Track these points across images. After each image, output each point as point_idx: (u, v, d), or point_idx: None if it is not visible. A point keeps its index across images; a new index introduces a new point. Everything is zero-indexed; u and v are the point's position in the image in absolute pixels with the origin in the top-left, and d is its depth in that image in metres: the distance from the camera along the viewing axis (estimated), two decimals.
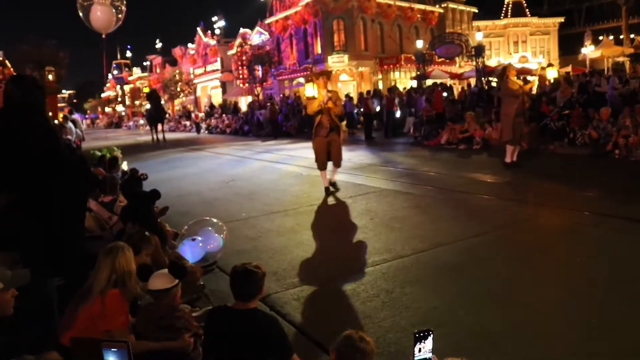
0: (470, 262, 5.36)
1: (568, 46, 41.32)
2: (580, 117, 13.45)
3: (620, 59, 29.80)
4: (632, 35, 32.82)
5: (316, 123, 9.26)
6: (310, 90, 9.55)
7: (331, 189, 9.49)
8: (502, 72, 11.68)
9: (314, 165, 13.35)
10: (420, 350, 2.24)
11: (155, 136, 26.08)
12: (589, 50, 31.54)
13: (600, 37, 34.31)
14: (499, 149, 13.57)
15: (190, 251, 5.25)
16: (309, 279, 5.18)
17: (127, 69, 72.52)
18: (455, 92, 24.66)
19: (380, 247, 6.04)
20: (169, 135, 28.88)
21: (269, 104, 26.81)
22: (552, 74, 13.66)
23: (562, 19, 45.55)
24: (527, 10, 46.07)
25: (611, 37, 33.96)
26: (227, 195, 10.21)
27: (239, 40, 43.14)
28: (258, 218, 7.93)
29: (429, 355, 2.25)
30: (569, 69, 28.97)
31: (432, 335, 2.25)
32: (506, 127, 11.11)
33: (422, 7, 41.05)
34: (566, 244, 5.87)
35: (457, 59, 32.29)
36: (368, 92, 25.62)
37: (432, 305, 4.41)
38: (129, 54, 75.02)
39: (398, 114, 20.84)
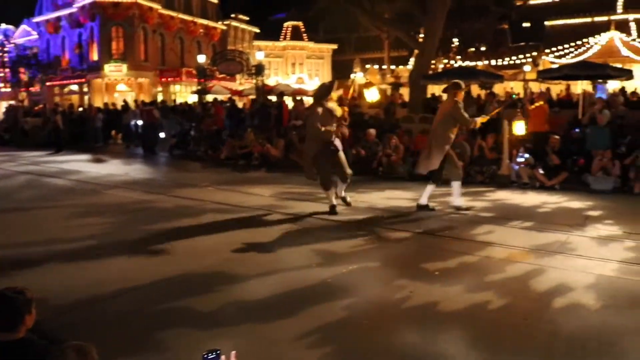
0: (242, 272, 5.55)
1: (340, 71, 44.70)
2: (350, 137, 14.64)
3: (383, 86, 33.18)
4: (392, 66, 36.71)
5: None
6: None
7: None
8: (323, 92, 8.64)
9: (88, 179, 12.72)
10: None
11: None
12: (357, 76, 34.59)
13: (368, 66, 37.78)
14: (278, 165, 14.22)
15: None
16: (85, 301, 4.87)
17: None
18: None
19: (159, 262, 5.93)
20: None
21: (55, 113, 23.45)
22: (371, 95, 9.69)
23: (335, 46, 49.29)
24: (305, 35, 48.98)
25: (376, 66, 37.58)
26: None
27: None
28: (22, 237, 7.22)
29: None
30: (340, 92, 31.37)
31: (219, 353, 2.29)
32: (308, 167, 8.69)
33: (205, 22, 41.27)
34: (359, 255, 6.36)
35: (237, 76, 32.96)
36: (152, 102, 24.86)
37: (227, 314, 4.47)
38: None
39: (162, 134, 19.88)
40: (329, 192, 8.50)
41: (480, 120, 8.62)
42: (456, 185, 8.51)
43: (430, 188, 8.57)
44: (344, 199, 8.70)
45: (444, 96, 9.35)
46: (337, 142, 8.40)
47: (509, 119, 12.56)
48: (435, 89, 26.58)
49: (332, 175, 8.43)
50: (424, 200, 8.61)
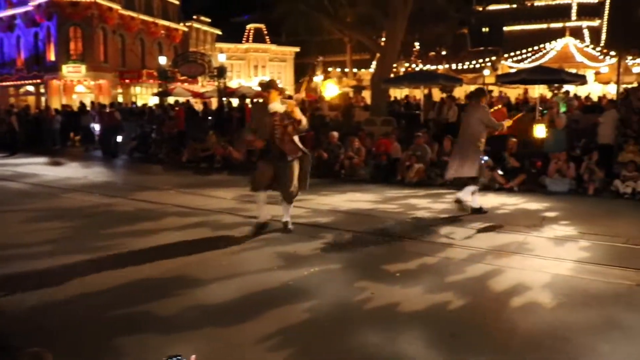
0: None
1: (302, 73, 44.78)
2: (312, 140, 14.70)
3: (346, 89, 33.39)
4: (355, 69, 36.96)
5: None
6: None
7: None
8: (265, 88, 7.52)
9: (45, 183, 12.43)
10: None
11: None
12: (319, 79, 34.75)
13: (330, 68, 37.98)
14: (240, 167, 14.12)
15: None
16: (41, 307, 4.74)
17: None
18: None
19: (119, 266, 5.83)
20: None
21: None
22: (330, 90, 9.09)
23: (297, 49, 49.37)
24: (267, 37, 48.93)
25: (338, 69, 37.80)
26: None
27: None
28: None
29: None
30: (303, 95, 31.45)
31: (180, 359, 2.28)
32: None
33: (166, 23, 40.83)
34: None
35: (199, 78, 32.65)
36: (112, 104, 24.43)
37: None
38: None
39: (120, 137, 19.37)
40: (259, 200, 7.54)
41: (506, 124, 8.78)
42: (471, 189, 8.57)
43: (471, 189, 8.60)
44: (285, 224, 7.45)
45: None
46: (290, 147, 7.09)
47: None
48: (397, 93, 26.92)
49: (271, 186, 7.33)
50: (475, 204, 8.67)
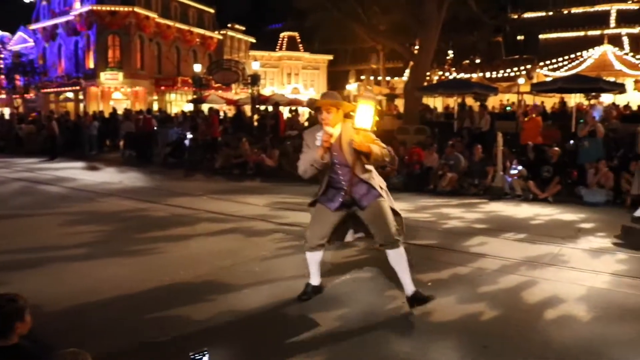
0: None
1: (335, 81, 44.81)
2: None
3: (379, 97, 33.29)
4: (388, 78, 36.84)
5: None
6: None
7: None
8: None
9: (82, 187, 12.74)
10: None
11: None
12: (352, 87, 34.73)
13: (363, 77, 37.93)
14: (272, 174, 14.24)
15: None
16: (77, 309, 4.85)
17: None
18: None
19: (152, 270, 5.93)
20: None
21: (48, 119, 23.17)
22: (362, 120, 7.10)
23: (331, 57, 49.55)
24: (301, 45, 49.23)
25: (371, 77, 37.73)
26: None
27: None
28: (16, 244, 7.21)
29: None
30: None
31: (207, 355, 2.33)
32: None
33: (201, 31, 41.41)
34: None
35: (233, 85, 32.99)
36: (148, 110, 24.90)
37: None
38: None
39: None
40: (312, 261, 5.19)
41: None
42: None
43: None
44: (413, 297, 4.87)
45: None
46: (362, 190, 4.84)
47: (503, 131, 12.70)
48: (430, 101, 26.76)
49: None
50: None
